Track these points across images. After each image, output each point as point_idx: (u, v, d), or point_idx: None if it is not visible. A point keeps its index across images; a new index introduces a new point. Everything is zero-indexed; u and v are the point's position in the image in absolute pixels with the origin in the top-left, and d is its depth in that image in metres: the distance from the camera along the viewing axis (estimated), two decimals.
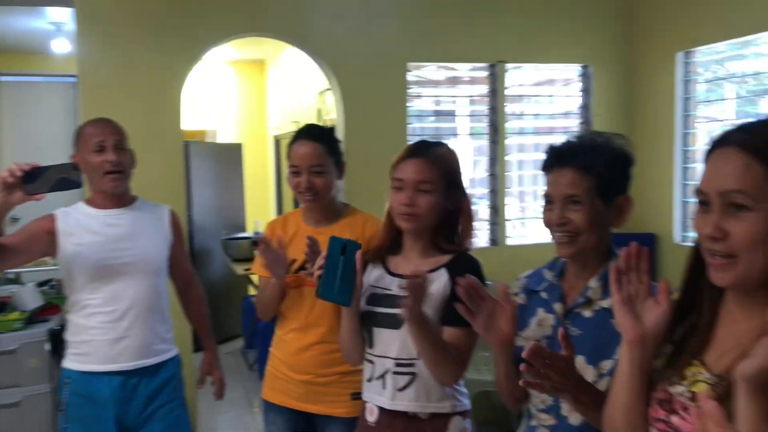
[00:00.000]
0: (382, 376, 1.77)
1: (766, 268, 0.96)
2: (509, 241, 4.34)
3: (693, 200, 3.73)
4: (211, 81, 7.04)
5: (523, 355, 1.26)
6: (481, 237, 4.30)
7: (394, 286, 1.77)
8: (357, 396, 2.09)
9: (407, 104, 4.11)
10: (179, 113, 3.73)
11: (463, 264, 1.74)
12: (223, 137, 7.15)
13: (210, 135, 7.03)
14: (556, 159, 1.47)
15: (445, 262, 1.76)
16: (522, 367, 1.27)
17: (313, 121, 5.27)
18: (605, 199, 1.44)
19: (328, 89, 4.42)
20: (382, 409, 1.77)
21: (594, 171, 1.42)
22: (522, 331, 1.55)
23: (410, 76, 4.17)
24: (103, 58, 3.61)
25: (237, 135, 7.22)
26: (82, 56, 3.61)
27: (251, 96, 7.38)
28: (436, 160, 1.74)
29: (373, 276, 1.82)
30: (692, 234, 4.09)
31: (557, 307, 1.51)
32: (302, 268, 2.09)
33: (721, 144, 1.01)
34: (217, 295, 5.92)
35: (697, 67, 4.03)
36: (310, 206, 2.16)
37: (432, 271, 1.75)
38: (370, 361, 1.80)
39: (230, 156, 6.41)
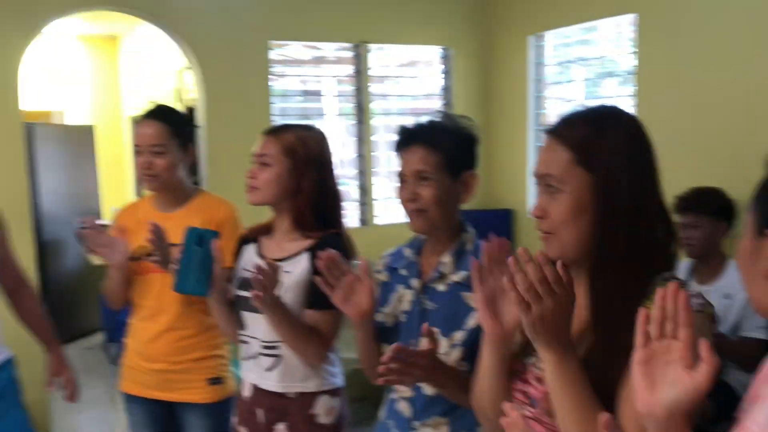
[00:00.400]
0: (253, 357, 1.83)
1: (578, 243, 1.05)
2: (378, 221, 4.40)
3: None
4: (59, 57, 6.52)
5: (383, 359, 1.31)
6: (351, 217, 4.32)
7: None
8: (215, 381, 2.11)
9: (271, 83, 4.03)
10: (17, 92, 3.41)
11: (327, 247, 1.76)
12: (74, 118, 6.66)
13: (58, 116, 6.52)
14: (407, 138, 1.53)
15: (308, 246, 1.79)
16: (381, 368, 1.32)
17: (173, 101, 5.05)
18: (452, 175, 1.51)
19: (188, 68, 4.23)
20: (254, 386, 1.84)
21: (441, 147, 1.49)
22: (383, 308, 1.60)
23: (274, 55, 4.08)
24: None
25: (89, 116, 6.75)
26: None
27: (104, 74, 6.92)
28: (281, 139, 1.79)
29: (245, 259, 1.86)
30: None
31: (415, 282, 1.57)
32: (150, 254, 2.03)
33: (547, 133, 1.10)
34: (72, 288, 5.56)
35: (547, 51, 4.26)
36: (154, 189, 2.12)
37: (294, 255, 1.79)
38: (245, 342, 1.85)
39: (82, 138, 5.99)
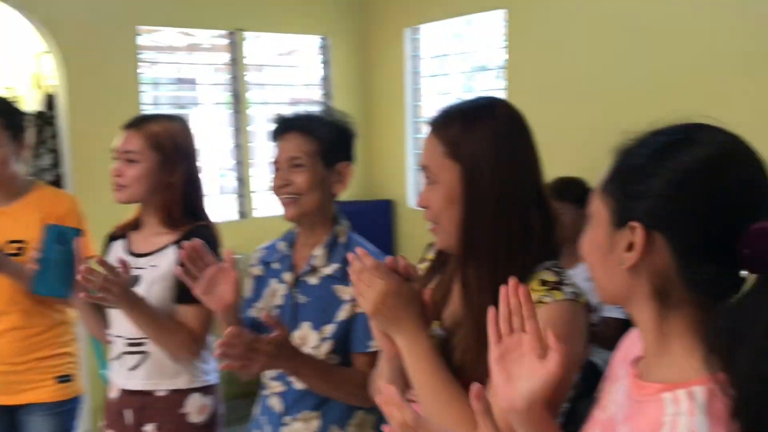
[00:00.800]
0: (118, 357, 1.77)
1: (455, 233, 1.08)
2: (257, 213, 4.31)
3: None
4: None
5: (218, 343, 1.30)
6: (229, 209, 4.21)
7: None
8: (63, 379, 2.05)
9: (141, 71, 3.82)
10: None
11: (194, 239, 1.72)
12: None
13: None
14: (283, 126, 1.52)
15: (175, 239, 1.73)
16: (216, 353, 1.31)
17: (30, 87, 4.67)
18: (327, 164, 1.51)
19: (47, 52, 3.92)
20: (121, 388, 1.79)
21: (317, 136, 1.50)
22: (257, 303, 1.59)
23: (145, 41, 3.87)
24: None
25: None
26: None
27: None
28: (145, 132, 1.72)
29: (113, 256, 1.80)
30: None
31: (287, 276, 1.56)
32: None
33: (428, 125, 1.14)
34: None
35: (426, 43, 4.34)
36: None
37: (161, 249, 1.73)
38: (112, 341, 1.80)
39: None
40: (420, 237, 1.15)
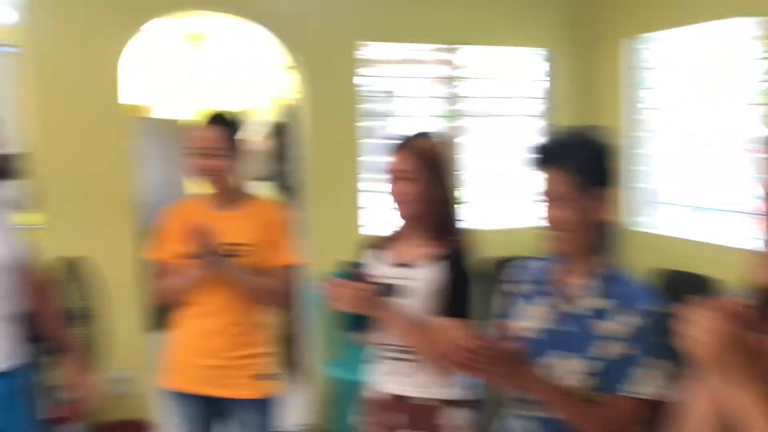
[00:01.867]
0: (391, 361, 1.82)
1: None
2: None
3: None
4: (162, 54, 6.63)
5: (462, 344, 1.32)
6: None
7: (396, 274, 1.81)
8: (262, 377, 2.17)
9: (369, 84, 3.98)
10: (116, 86, 3.47)
11: (457, 254, 1.78)
12: (160, 113, 6.76)
13: (149, 110, 6.64)
14: (547, 157, 1.45)
15: (441, 253, 1.78)
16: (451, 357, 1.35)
17: (271, 100, 5.09)
18: (590, 194, 1.42)
19: (292, 67, 4.23)
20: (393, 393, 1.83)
21: (577, 167, 1.42)
22: (513, 320, 1.55)
23: (374, 55, 4.01)
24: (47, 28, 3.36)
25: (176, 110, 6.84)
26: (29, 26, 3.34)
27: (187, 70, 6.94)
28: (417, 151, 1.79)
29: (374, 263, 1.86)
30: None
31: (552, 301, 1.49)
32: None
33: None
34: None
35: (659, 53, 4.00)
36: (213, 189, 2.17)
37: (427, 262, 1.78)
38: (378, 347, 1.86)
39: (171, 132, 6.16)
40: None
